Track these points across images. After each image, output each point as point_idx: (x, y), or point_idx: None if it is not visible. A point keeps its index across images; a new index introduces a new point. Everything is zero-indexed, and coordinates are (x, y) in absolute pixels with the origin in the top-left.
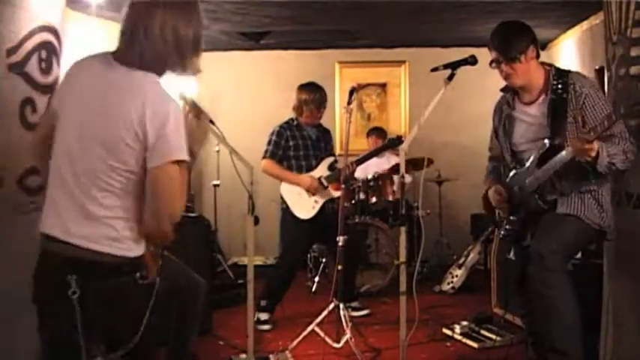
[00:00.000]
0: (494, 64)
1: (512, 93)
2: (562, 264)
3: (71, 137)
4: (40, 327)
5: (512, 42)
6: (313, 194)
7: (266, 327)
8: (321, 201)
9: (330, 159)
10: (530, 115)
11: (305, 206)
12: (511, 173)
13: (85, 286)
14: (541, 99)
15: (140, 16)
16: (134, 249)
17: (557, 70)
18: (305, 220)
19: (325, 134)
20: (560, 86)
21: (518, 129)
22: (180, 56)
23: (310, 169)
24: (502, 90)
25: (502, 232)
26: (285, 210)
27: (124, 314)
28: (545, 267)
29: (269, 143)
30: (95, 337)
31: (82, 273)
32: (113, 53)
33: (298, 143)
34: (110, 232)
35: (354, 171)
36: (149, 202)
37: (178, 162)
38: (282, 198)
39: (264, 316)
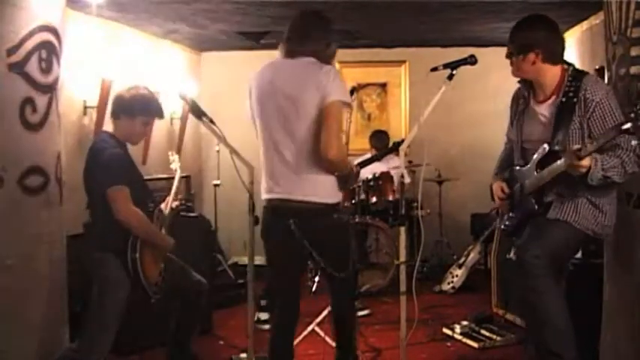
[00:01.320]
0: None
1: (528, 86)
2: (547, 269)
3: (277, 127)
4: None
5: (514, 39)
6: None
7: (266, 327)
8: None
9: None
10: (540, 113)
11: None
12: (516, 169)
13: (301, 225)
14: (552, 99)
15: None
16: (333, 197)
17: (575, 71)
18: None
19: None
20: (572, 89)
21: (527, 126)
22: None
23: None
24: (519, 81)
25: (502, 226)
26: None
27: (333, 244)
28: (529, 273)
29: None
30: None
31: (299, 217)
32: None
33: None
34: (317, 186)
35: (358, 173)
36: (322, 134)
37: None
38: None
39: (264, 316)
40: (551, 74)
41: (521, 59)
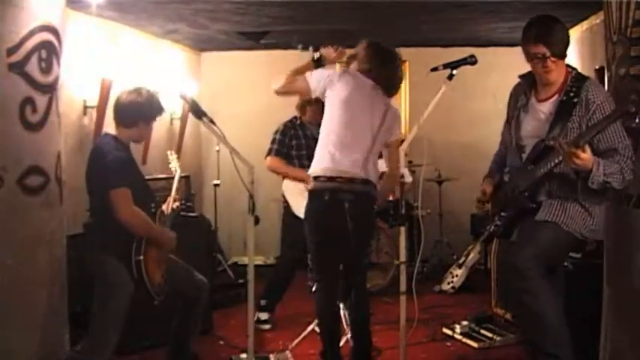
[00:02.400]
0: (536, 60)
1: (529, 83)
2: (539, 270)
3: (363, 129)
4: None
5: (561, 37)
6: None
7: (266, 326)
8: None
9: None
10: (541, 111)
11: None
12: (507, 170)
13: (352, 202)
14: (554, 98)
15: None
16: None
17: (578, 74)
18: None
19: None
20: (574, 89)
21: (526, 123)
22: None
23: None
24: (520, 77)
25: (492, 227)
26: (286, 209)
27: (369, 222)
28: (520, 277)
29: (273, 142)
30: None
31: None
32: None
33: (301, 143)
34: (374, 174)
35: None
36: (392, 156)
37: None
38: (283, 197)
39: (264, 316)
40: (563, 73)
41: (565, 58)
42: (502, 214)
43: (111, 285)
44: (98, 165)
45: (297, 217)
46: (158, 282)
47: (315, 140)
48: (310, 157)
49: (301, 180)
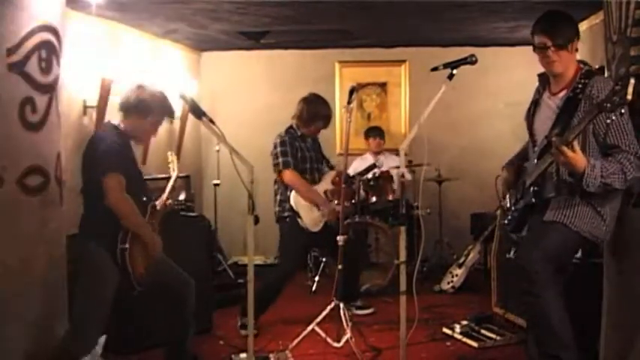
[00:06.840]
0: (537, 50)
1: (545, 80)
2: (546, 272)
3: None
4: None
5: (564, 29)
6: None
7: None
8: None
9: (333, 173)
10: (549, 106)
11: (314, 219)
12: (526, 164)
13: None
14: (562, 93)
15: None
16: None
17: (587, 70)
18: (310, 231)
19: (316, 143)
20: (580, 86)
21: (537, 117)
22: None
23: (313, 183)
24: (538, 75)
25: (505, 221)
26: (293, 221)
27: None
28: (529, 277)
29: (285, 154)
30: None
31: None
32: None
33: (305, 155)
34: None
35: (359, 187)
36: None
37: None
38: (290, 207)
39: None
40: (572, 69)
41: (569, 48)
42: (513, 208)
43: (97, 272)
44: (94, 151)
45: (302, 229)
46: (140, 272)
47: (315, 152)
48: (312, 171)
49: (315, 204)
